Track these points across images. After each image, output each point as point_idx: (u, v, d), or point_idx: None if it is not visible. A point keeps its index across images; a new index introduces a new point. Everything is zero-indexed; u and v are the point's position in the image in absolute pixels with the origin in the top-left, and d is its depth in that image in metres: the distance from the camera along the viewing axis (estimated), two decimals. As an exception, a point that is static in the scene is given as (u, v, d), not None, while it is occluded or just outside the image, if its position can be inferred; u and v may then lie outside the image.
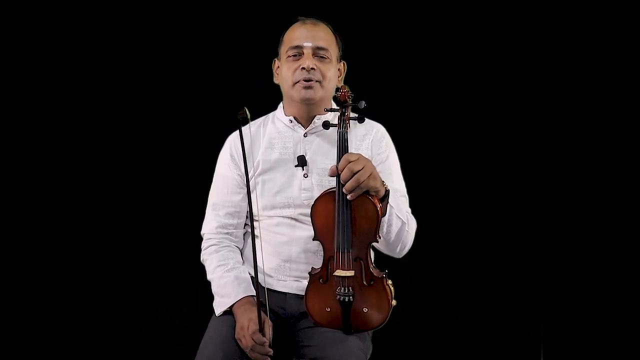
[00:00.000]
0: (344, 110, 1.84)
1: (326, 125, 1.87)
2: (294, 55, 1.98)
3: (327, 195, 1.82)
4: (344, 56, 2.08)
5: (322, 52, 1.97)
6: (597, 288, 2.92)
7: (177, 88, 2.95)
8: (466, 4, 2.93)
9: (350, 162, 1.74)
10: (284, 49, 2.02)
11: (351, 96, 1.84)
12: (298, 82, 1.96)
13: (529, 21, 2.90)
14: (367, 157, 1.87)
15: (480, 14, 2.92)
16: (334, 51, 2.01)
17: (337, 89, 1.87)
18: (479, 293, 3.01)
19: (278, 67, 2.06)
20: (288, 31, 2.03)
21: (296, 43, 1.97)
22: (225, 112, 1.85)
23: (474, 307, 3.00)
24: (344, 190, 1.76)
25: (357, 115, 1.87)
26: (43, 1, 2.91)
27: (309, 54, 1.96)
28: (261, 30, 2.13)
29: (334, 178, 1.79)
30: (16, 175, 2.96)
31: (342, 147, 1.80)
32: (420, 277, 2.98)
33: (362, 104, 1.85)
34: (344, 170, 1.74)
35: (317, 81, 1.96)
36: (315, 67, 1.95)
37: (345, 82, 2.09)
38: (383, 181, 1.82)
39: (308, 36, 1.97)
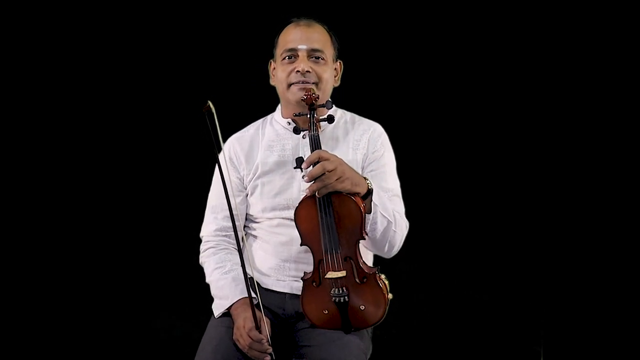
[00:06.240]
0: (313, 112, 1.83)
1: (296, 130, 1.88)
2: (289, 57, 1.96)
3: (307, 199, 1.82)
4: (340, 55, 2.06)
5: (317, 54, 1.96)
6: (597, 289, 2.91)
7: (176, 90, 2.94)
8: (465, 3, 2.93)
9: (322, 158, 1.74)
10: (278, 51, 2.01)
11: (317, 98, 1.84)
12: (293, 84, 1.95)
13: (529, 21, 2.90)
14: (363, 154, 1.91)
15: (479, 13, 2.92)
16: (329, 52, 1.99)
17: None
18: (479, 293, 3.00)
19: (274, 68, 2.05)
20: (282, 33, 2.02)
21: (290, 46, 1.96)
22: (189, 107, 1.82)
23: (474, 307, 3.00)
24: (308, 188, 1.76)
25: (326, 116, 1.85)
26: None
27: (303, 56, 1.95)
28: (257, 31, 2.10)
29: None
30: (16, 177, 2.98)
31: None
32: (420, 277, 2.99)
33: (329, 104, 1.86)
34: (317, 167, 1.74)
35: (313, 83, 1.94)
36: (310, 70, 1.94)
37: (343, 82, 2.07)
38: (366, 178, 1.82)
39: (302, 38, 1.95)
